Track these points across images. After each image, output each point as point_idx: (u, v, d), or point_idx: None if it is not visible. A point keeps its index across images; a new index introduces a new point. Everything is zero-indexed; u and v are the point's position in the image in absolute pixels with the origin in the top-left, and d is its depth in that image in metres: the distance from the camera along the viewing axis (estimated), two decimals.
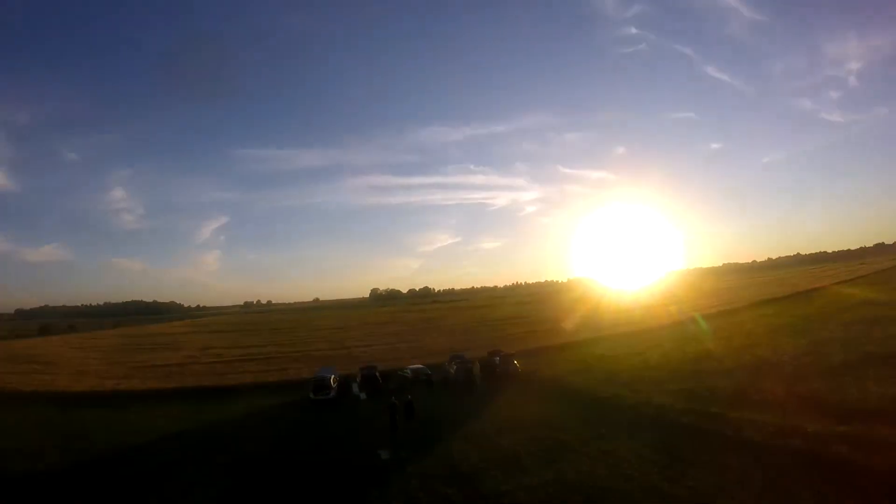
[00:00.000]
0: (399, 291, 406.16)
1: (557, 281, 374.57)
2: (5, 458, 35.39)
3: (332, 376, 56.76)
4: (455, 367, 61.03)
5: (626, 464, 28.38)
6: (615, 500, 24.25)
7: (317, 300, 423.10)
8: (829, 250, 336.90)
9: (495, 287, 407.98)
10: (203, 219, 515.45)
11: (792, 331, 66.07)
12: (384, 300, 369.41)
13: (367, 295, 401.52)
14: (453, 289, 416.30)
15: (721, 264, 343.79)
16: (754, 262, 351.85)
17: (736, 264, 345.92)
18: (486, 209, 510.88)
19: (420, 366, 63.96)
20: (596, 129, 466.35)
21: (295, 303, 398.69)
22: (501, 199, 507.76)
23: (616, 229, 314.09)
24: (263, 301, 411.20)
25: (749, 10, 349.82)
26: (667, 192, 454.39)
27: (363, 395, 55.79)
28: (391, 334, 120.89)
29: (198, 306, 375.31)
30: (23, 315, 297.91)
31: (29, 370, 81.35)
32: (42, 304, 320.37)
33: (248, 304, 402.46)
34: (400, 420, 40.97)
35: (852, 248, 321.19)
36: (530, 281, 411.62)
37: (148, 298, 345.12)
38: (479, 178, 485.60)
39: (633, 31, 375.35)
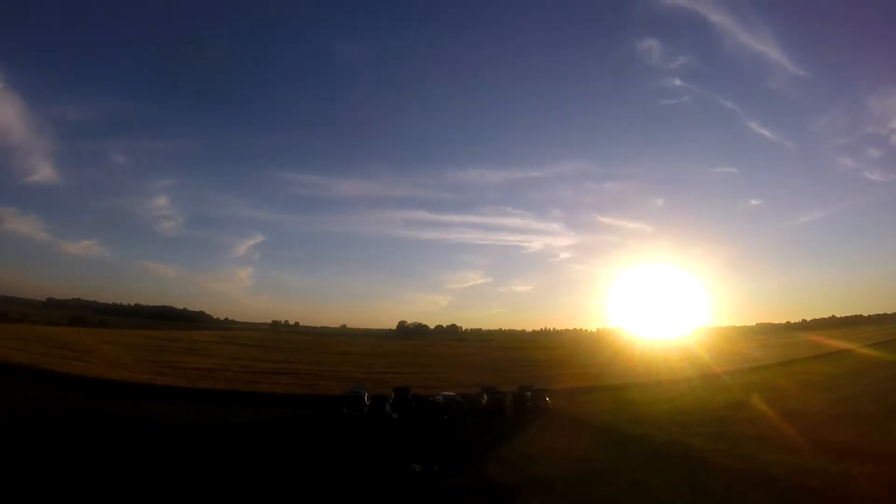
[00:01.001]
0: (426, 326, 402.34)
1: (587, 329, 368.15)
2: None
3: (366, 394, 57.03)
4: (486, 397, 61.28)
5: (654, 494, 29.11)
6: None
7: (344, 326, 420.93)
8: (865, 314, 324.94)
9: (523, 330, 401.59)
10: (240, 235, 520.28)
11: (821, 387, 66.64)
12: (411, 333, 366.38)
13: (393, 326, 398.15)
14: (481, 328, 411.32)
15: (755, 324, 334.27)
16: (788, 322, 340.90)
17: (769, 325, 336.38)
18: (520, 252, 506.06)
19: (452, 394, 63.58)
20: (635, 180, 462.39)
21: (322, 327, 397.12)
22: (536, 244, 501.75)
23: (650, 281, 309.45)
24: (291, 322, 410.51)
25: (793, 65, 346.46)
26: (703, 247, 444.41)
27: (395, 416, 55.58)
28: (419, 364, 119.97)
29: (226, 319, 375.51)
30: (54, 304, 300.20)
31: (62, 355, 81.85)
32: (74, 297, 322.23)
33: (275, 323, 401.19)
34: (434, 439, 42.69)
35: (888, 311, 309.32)
36: (559, 327, 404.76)
37: (179, 306, 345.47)
38: (514, 221, 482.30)
39: (678, 82, 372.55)
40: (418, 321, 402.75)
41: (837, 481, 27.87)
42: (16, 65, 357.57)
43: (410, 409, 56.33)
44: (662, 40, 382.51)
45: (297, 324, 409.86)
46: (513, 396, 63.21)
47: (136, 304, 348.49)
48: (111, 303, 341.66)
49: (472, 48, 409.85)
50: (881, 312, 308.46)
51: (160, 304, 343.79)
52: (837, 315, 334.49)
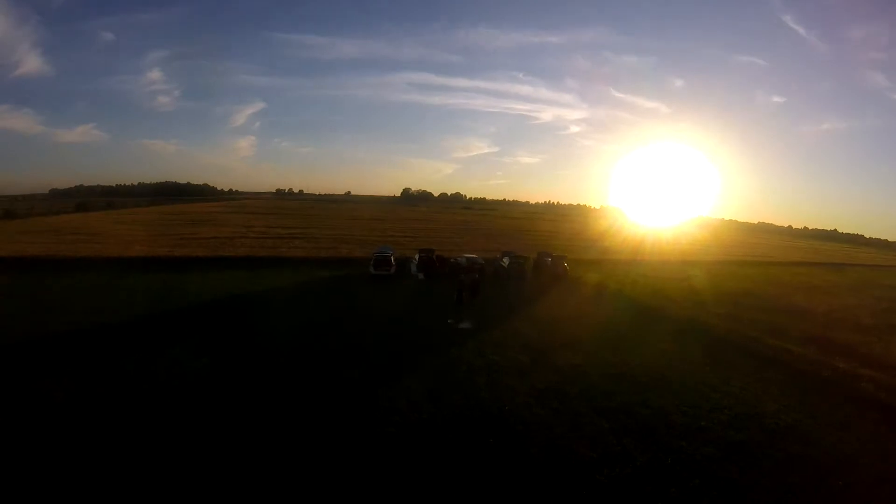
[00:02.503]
0: (430, 194, 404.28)
1: (591, 206, 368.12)
2: (93, 314, 35.18)
3: (392, 255, 57.71)
4: (508, 260, 62.16)
5: (679, 360, 30.48)
6: (675, 385, 26.11)
7: (348, 193, 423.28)
8: (867, 235, 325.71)
9: (527, 202, 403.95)
10: (239, 104, 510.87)
11: (824, 292, 67.45)
12: (415, 200, 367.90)
13: (398, 193, 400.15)
14: (485, 198, 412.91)
15: (756, 222, 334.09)
16: (790, 227, 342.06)
17: (771, 225, 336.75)
18: (529, 122, 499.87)
19: (474, 255, 64.47)
20: (656, 56, 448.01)
21: (326, 194, 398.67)
22: (546, 114, 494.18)
23: (659, 164, 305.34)
24: (295, 190, 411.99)
25: None
26: (719, 136, 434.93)
27: (421, 276, 57.12)
28: (431, 230, 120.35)
29: (231, 190, 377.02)
30: (58, 194, 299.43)
31: (75, 240, 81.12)
32: (77, 184, 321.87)
33: (280, 192, 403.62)
34: (466, 296, 43.30)
35: (890, 238, 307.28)
36: (563, 202, 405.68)
37: (181, 181, 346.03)
38: (525, 89, 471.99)
39: None
40: (422, 188, 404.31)
41: (845, 376, 29.87)
42: None
43: (435, 270, 57.99)
44: None
45: (301, 192, 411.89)
46: (533, 261, 65.17)
47: (139, 184, 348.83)
48: (114, 184, 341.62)
49: None
50: (884, 238, 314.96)
51: (163, 181, 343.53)
52: (840, 230, 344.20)
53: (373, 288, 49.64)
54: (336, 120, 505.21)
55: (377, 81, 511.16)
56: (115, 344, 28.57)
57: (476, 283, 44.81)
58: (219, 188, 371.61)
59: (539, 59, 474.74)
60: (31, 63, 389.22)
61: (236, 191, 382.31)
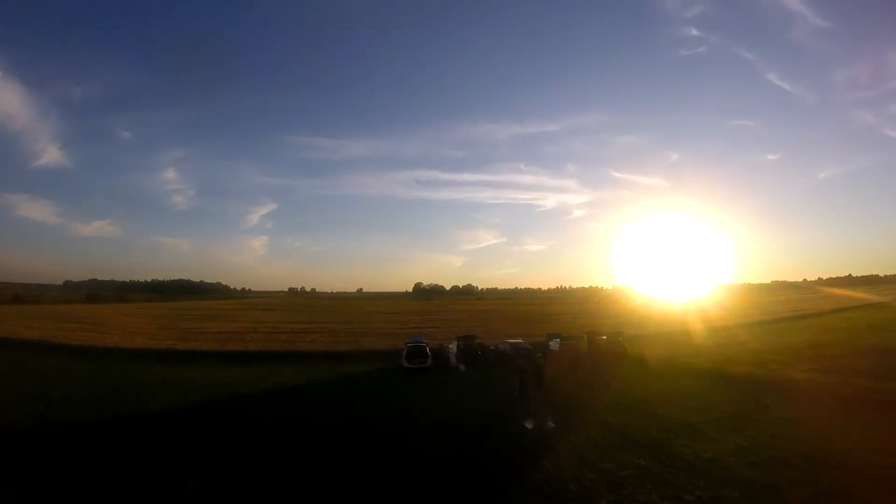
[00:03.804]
0: (442, 287, 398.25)
1: (602, 287, 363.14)
2: (53, 407, 30.70)
3: (427, 344, 50.70)
4: (558, 342, 55.57)
5: (805, 428, 25.48)
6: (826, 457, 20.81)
7: (360, 290, 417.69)
8: (882, 273, 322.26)
9: (539, 289, 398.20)
10: (252, 204, 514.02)
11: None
12: (428, 294, 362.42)
13: (409, 288, 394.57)
14: (496, 288, 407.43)
15: (770, 281, 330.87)
16: (805, 280, 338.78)
17: (785, 282, 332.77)
18: (534, 210, 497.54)
19: (518, 340, 57.36)
20: (650, 133, 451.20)
21: (338, 292, 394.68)
22: (549, 201, 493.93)
23: (665, 237, 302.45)
24: (307, 288, 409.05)
25: (814, 15, 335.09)
26: (719, 202, 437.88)
27: (462, 367, 49.40)
28: (453, 319, 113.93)
29: (243, 289, 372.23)
30: (71, 286, 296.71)
31: (77, 328, 76.81)
32: (91, 278, 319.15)
33: (292, 290, 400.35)
34: (531, 387, 35.34)
35: None
36: (574, 285, 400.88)
37: (195, 279, 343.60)
38: (528, 178, 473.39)
39: (695, 32, 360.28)
40: (434, 282, 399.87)
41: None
42: (12, 49, 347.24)
43: (478, 359, 50.81)
44: None
45: (313, 290, 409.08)
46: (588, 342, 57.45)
47: (152, 280, 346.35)
48: (128, 280, 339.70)
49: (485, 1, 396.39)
50: None
51: (177, 279, 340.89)
52: (854, 274, 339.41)
53: (410, 384, 42.15)
54: (346, 218, 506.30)
55: (386, 179, 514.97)
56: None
57: (541, 370, 37.35)
58: (231, 287, 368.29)
59: (539, 148, 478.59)
60: (52, 154, 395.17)
61: (249, 289, 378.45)
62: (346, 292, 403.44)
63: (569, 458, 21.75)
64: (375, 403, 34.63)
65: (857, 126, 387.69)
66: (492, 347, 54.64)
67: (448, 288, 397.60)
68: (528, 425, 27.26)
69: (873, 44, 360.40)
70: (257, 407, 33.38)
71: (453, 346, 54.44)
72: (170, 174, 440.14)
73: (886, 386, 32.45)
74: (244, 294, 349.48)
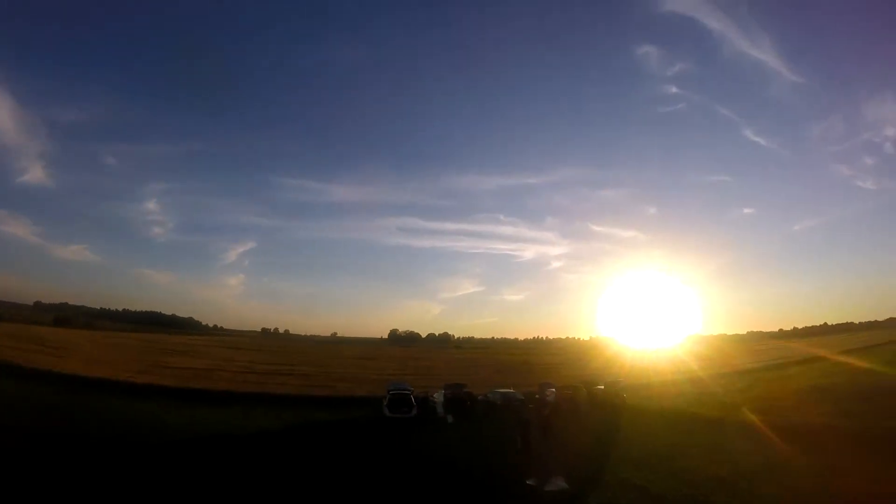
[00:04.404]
0: (418, 334, 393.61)
1: (579, 338, 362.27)
2: None
3: (411, 392, 46.53)
4: (553, 392, 53.10)
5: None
6: None
7: (334, 334, 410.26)
8: (857, 321, 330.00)
9: (516, 339, 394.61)
10: (231, 241, 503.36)
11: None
12: (403, 341, 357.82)
13: (384, 335, 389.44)
14: (473, 337, 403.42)
15: (745, 332, 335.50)
16: (780, 330, 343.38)
17: (760, 332, 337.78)
18: (513, 261, 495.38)
19: (510, 390, 54.48)
20: (629, 188, 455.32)
21: (312, 335, 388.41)
22: (529, 252, 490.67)
23: (642, 290, 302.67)
24: (281, 329, 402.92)
25: (790, 72, 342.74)
26: (696, 255, 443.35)
27: (450, 418, 45.35)
28: (432, 367, 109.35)
29: (216, 326, 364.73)
30: (41, 308, 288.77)
31: (35, 350, 72.66)
32: (62, 301, 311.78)
33: (265, 331, 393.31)
34: (534, 442, 31.24)
35: (880, 319, 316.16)
36: (551, 335, 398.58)
37: (167, 312, 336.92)
38: (508, 229, 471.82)
39: (674, 90, 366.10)
40: (410, 329, 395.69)
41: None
42: (7, 65, 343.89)
43: (467, 410, 47.06)
44: (660, 47, 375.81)
45: (287, 331, 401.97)
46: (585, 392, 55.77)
47: (124, 310, 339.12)
48: (99, 307, 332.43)
49: (472, 52, 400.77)
50: (872, 320, 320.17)
51: (149, 310, 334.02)
52: (830, 322, 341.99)
53: (394, 435, 37.84)
54: (325, 262, 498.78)
55: (369, 225, 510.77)
56: None
57: (547, 422, 33.60)
58: (204, 323, 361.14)
59: (520, 200, 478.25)
60: (36, 173, 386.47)
61: (221, 327, 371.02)
62: (320, 336, 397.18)
63: None
64: (356, 459, 29.65)
65: (832, 179, 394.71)
66: (480, 397, 51.22)
67: (424, 335, 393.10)
68: (538, 486, 23.06)
69: (847, 98, 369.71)
70: (214, 456, 28.14)
71: (439, 396, 50.26)
72: (151, 205, 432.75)
73: None
74: (216, 331, 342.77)
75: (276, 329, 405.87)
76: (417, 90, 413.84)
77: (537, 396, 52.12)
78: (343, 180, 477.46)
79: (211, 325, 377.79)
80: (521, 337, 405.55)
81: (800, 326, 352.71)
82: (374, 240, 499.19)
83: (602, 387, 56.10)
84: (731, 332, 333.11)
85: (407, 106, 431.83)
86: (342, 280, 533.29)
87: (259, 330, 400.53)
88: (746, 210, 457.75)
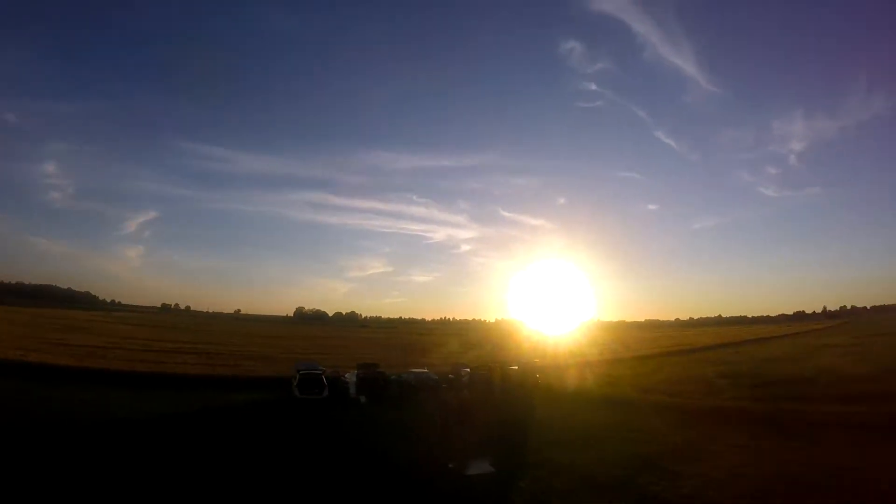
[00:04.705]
0: (325, 313, 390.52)
1: (485, 320, 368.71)
2: None
3: (322, 372, 45.19)
4: (468, 373, 53.35)
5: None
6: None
7: (238, 312, 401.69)
8: (750, 315, 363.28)
9: (423, 319, 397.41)
10: (132, 210, 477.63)
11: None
12: (309, 320, 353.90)
13: (290, 313, 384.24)
14: (380, 316, 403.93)
15: (643, 319, 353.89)
16: (677, 319, 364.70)
17: (657, 321, 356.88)
18: (423, 242, 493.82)
19: (424, 370, 54.24)
20: (541, 177, 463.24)
21: (214, 312, 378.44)
22: (439, 234, 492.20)
23: (548, 276, 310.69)
24: (182, 306, 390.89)
25: (706, 82, 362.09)
26: (601, 246, 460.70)
27: (363, 399, 44.32)
28: (340, 347, 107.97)
29: (113, 301, 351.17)
30: None
31: None
32: None
33: (165, 307, 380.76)
34: (454, 423, 31.99)
35: (771, 314, 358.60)
36: (458, 317, 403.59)
37: (63, 285, 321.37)
38: (419, 210, 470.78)
39: (594, 87, 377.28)
40: (315, 308, 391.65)
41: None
42: None
43: (382, 391, 45.81)
44: (585, 43, 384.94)
45: (188, 307, 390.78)
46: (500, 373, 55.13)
47: (17, 283, 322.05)
48: None
49: (395, 31, 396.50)
50: (765, 314, 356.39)
51: (44, 283, 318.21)
52: (724, 315, 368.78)
53: (306, 418, 36.11)
54: (230, 235, 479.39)
55: (278, 199, 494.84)
56: None
57: (466, 404, 33.58)
58: (101, 298, 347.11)
59: (433, 181, 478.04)
60: None
61: (119, 302, 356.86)
62: (223, 313, 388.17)
63: None
64: (266, 444, 27.79)
65: (735, 184, 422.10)
66: (393, 378, 49.83)
67: (331, 314, 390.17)
68: (462, 469, 22.45)
69: (758, 112, 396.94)
70: (93, 442, 25.61)
71: (351, 376, 48.86)
72: (50, 167, 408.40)
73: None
74: (114, 307, 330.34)
75: (177, 305, 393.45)
76: (338, 64, 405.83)
77: (451, 377, 52.07)
78: (253, 150, 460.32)
79: (109, 300, 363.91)
80: (429, 318, 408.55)
81: (695, 317, 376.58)
82: (283, 214, 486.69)
83: (516, 367, 56.18)
84: (630, 319, 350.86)
85: (325, 79, 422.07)
86: (247, 255, 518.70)
87: (159, 305, 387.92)
88: (651, 206, 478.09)
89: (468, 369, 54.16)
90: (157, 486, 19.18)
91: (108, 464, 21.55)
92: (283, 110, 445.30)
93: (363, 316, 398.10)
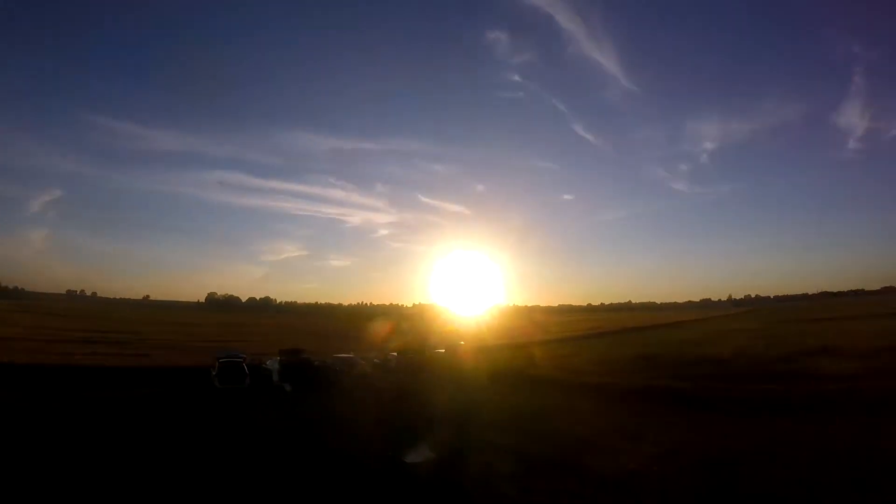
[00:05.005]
0: (238, 299, 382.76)
1: (403, 305, 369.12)
2: None
3: (244, 360, 43.51)
4: (396, 357, 53.85)
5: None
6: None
7: (147, 297, 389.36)
8: (658, 301, 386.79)
9: (340, 304, 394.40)
10: (35, 188, 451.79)
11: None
12: (222, 305, 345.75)
13: (202, 298, 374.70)
14: (296, 302, 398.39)
15: (557, 305, 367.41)
16: (589, 304, 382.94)
17: (571, 305, 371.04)
18: (340, 226, 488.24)
19: (350, 355, 53.56)
20: (460, 164, 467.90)
21: (123, 298, 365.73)
22: (356, 218, 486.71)
23: (466, 262, 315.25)
24: (88, 292, 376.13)
25: (627, 80, 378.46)
26: (517, 233, 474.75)
27: (288, 387, 42.11)
28: (258, 334, 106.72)
29: (15, 288, 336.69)
30: None
31: None
32: None
33: (71, 293, 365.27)
34: (389, 409, 31.83)
35: (679, 301, 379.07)
36: (375, 302, 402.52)
37: None
38: (337, 193, 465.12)
39: (517, 78, 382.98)
40: (229, 293, 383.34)
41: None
42: None
43: (306, 378, 43.57)
44: (511, 34, 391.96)
45: (94, 294, 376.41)
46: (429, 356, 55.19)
47: None
48: None
49: (316, 10, 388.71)
50: (673, 301, 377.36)
51: None
52: (634, 301, 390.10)
53: (229, 410, 33.61)
54: (139, 217, 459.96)
55: (190, 179, 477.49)
56: None
57: (398, 389, 33.71)
58: (3, 284, 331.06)
59: (352, 164, 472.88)
60: None
61: (21, 289, 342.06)
62: (131, 299, 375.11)
63: (485, 498, 17.20)
64: (188, 440, 24.84)
65: (648, 179, 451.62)
66: (317, 363, 48.50)
67: (244, 300, 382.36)
68: (403, 458, 21.49)
69: (674, 112, 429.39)
70: None
71: (273, 363, 47.51)
72: None
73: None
74: (17, 294, 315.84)
75: (83, 291, 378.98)
76: (255, 39, 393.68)
77: (376, 361, 51.55)
78: (164, 126, 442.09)
79: (10, 286, 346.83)
80: (346, 303, 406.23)
81: (606, 303, 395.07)
82: (195, 195, 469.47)
83: (443, 350, 56.07)
84: (544, 304, 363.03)
85: (241, 54, 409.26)
86: (157, 238, 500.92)
87: (64, 292, 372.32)
88: (567, 196, 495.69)
89: (395, 353, 54.00)
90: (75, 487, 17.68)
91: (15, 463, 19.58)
92: (197, 85, 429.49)
93: (278, 301, 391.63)
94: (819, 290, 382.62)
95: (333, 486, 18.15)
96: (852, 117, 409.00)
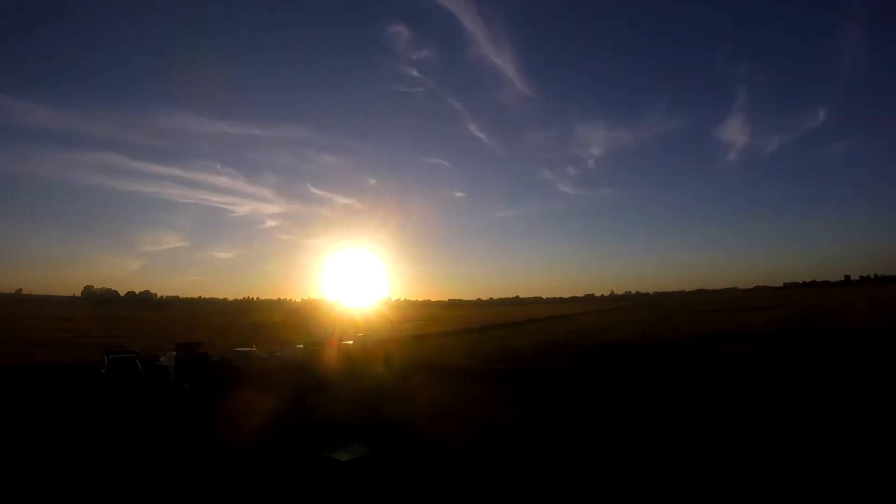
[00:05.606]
0: (116, 292, 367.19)
1: (291, 299, 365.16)
2: None
3: (136, 357, 40.12)
4: (299, 350, 52.37)
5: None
6: None
7: (19, 291, 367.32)
8: (544, 296, 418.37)
9: (225, 299, 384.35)
10: None
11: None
12: (100, 300, 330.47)
13: (78, 293, 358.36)
14: (178, 296, 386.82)
15: (447, 299, 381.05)
16: (479, 299, 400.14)
17: (461, 300, 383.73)
18: (226, 215, 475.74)
19: (252, 349, 51.13)
20: (352, 156, 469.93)
21: None
22: (243, 208, 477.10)
23: (357, 255, 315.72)
24: None
25: (522, 85, 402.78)
26: (409, 227, 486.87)
27: (187, 386, 38.24)
28: (141, 330, 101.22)
29: None
30: None
31: None
32: None
33: None
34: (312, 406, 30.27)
35: (564, 296, 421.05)
36: (262, 296, 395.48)
37: None
38: (223, 181, 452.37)
39: (416, 73, 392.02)
40: (106, 286, 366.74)
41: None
42: None
43: (205, 375, 39.99)
44: (413, 29, 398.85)
45: None
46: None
47: None
48: None
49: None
50: (558, 296, 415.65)
51: None
52: (521, 296, 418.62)
53: (124, 413, 29.79)
54: (6, 201, 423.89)
55: (62, 159, 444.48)
56: None
57: (317, 383, 32.67)
58: None
59: (240, 150, 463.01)
60: None
61: None
62: (1, 293, 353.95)
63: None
64: (80, 450, 22.17)
65: (537, 180, 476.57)
66: (216, 359, 45.67)
67: (123, 294, 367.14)
68: (336, 455, 20.03)
69: (564, 118, 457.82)
70: None
71: (168, 359, 44.44)
72: None
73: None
74: None
75: None
76: (140, 9, 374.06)
77: (278, 354, 50.05)
78: (34, 98, 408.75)
79: None
80: (231, 297, 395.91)
81: (495, 297, 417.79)
82: (69, 178, 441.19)
83: (351, 342, 56.15)
84: (434, 298, 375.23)
85: (124, 23, 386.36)
86: (28, 226, 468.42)
87: None
88: (458, 193, 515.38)
89: (301, 346, 52.88)
90: None
91: None
92: (72, 55, 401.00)
93: (159, 296, 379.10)
94: (696, 288, 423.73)
95: (266, 492, 17.03)
96: (734, 132, 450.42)
